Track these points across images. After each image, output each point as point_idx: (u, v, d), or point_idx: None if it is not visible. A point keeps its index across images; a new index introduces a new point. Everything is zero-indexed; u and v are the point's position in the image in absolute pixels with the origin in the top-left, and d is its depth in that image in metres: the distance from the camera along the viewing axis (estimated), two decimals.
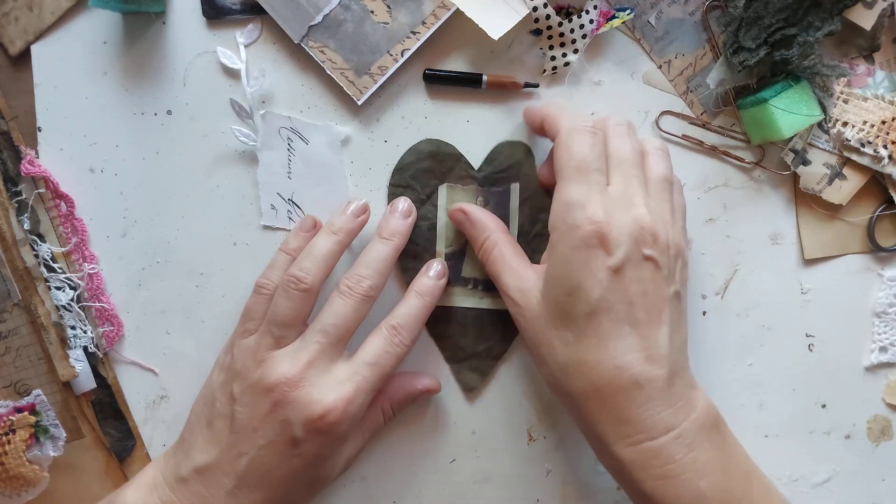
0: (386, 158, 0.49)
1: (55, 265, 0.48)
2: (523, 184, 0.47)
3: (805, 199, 0.50)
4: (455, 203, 0.47)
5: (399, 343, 0.43)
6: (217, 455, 0.42)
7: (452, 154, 0.48)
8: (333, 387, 0.41)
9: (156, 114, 0.48)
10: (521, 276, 0.43)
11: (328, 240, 0.44)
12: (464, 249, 0.48)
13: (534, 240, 0.48)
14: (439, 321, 0.48)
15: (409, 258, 0.47)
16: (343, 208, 0.46)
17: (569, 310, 0.39)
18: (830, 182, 0.49)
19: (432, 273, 0.46)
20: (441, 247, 0.48)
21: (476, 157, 0.49)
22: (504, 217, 0.47)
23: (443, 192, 0.47)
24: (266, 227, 0.49)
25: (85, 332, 0.49)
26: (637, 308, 0.39)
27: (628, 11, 0.47)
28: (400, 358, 0.43)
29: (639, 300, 0.39)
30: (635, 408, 0.38)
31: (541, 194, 0.47)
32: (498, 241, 0.44)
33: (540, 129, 0.45)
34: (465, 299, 0.48)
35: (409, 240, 0.46)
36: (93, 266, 0.49)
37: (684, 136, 0.49)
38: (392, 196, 0.48)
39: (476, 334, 0.48)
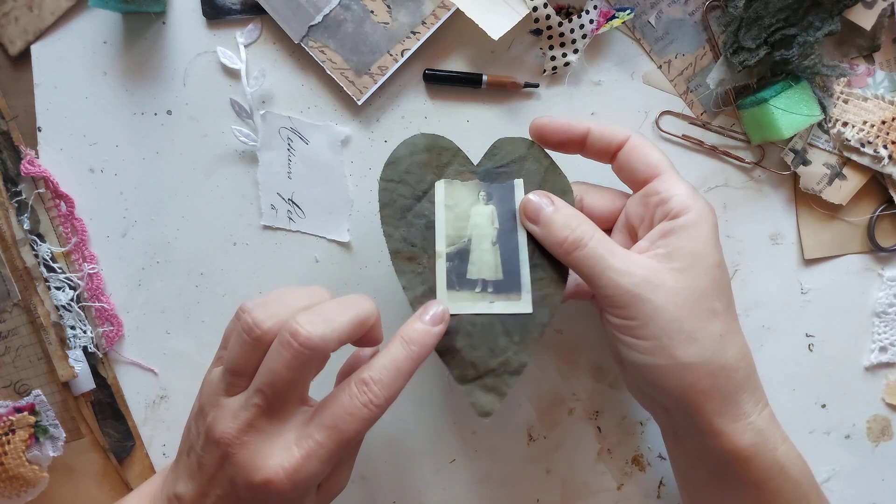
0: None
1: (55, 265, 0.48)
2: (526, 180, 0.43)
3: (805, 199, 0.50)
4: (528, 194, 0.42)
5: (368, 402, 0.35)
6: (191, 489, 0.38)
7: (449, 148, 0.44)
8: (278, 452, 0.35)
9: (156, 114, 0.48)
10: (636, 260, 0.39)
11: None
12: (468, 247, 0.42)
13: None
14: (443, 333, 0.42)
15: (405, 261, 0.42)
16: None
17: (718, 280, 0.40)
18: (830, 182, 0.49)
19: (427, 317, 0.39)
20: (442, 246, 0.42)
21: (476, 157, 0.48)
22: (509, 213, 0.43)
23: (440, 187, 0.43)
24: (266, 227, 0.49)
25: (85, 332, 0.49)
26: None
27: (628, 11, 0.47)
28: (369, 421, 0.36)
29: None
30: (756, 375, 0.41)
31: (547, 191, 0.43)
32: (594, 234, 0.40)
33: (578, 141, 0.43)
34: (473, 305, 0.42)
35: (405, 240, 0.42)
36: (93, 266, 0.49)
37: (684, 136, 0.49)
38: (384, 192, 0.43)
39: (489, 346, 0.41)
